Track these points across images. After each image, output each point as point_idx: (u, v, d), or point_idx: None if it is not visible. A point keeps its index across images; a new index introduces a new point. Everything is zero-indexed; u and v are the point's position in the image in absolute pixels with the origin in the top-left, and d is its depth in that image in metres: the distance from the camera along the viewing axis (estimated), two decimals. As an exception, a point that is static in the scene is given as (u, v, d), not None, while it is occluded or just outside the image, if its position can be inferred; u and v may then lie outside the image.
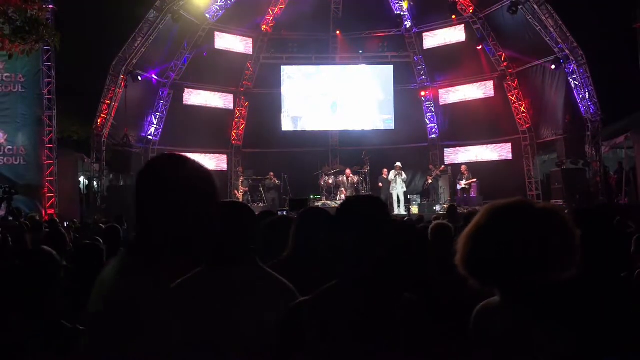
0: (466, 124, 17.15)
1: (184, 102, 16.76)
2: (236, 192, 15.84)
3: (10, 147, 12.78)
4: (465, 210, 10.56)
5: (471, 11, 16.56)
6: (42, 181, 12.87)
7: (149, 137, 16.33)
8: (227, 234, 1.80)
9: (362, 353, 1.52)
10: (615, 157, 15.28)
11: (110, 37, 15.42)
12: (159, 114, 16.54)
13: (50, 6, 11.47)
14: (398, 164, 14.97)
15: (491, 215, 1.54)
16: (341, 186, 15.25)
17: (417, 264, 3.17)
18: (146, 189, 1.36)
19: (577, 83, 14.38)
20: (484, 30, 16.59)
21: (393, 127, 17.63)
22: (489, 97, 17.19)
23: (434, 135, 18.33)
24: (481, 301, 1.62)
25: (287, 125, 17.57)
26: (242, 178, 16.18)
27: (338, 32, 17.92)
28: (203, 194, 1.37)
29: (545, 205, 1.55)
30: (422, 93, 18.34)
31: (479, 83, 17.34)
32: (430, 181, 15.86)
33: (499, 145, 17.07)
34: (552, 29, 14.44)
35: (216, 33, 16.92)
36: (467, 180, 15.06)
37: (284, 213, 11.21)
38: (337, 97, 17.75)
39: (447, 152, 17.95)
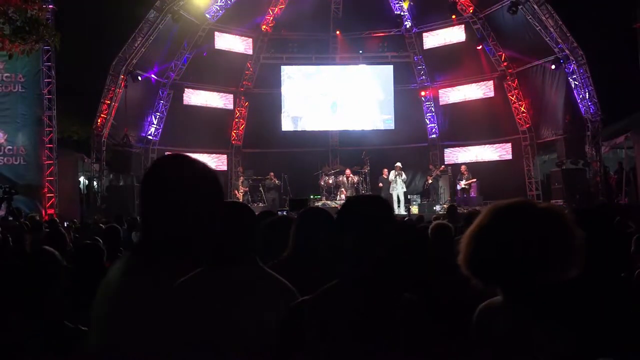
0: (466, 124, 17.16)
1: (184, 102, 16.76)
2: (236, 192, 15.84)
3: (10, 147, 12.79)
4: (465, 210, 10.55)
5: (471, 11, 16.56)
6: (42, 181, 12.87)
7: (149, 137, 16.32)
8: (227, 234, 1.80)
9: (362, 353, 1.53)
10: (615, 157, 15.26)
11: (110, 37, 15.42)
12: (159, 114, 16.53)
13: (50, 6, 11.48)
14: (398, 164, 14.98)
15: (493, 215, 1.55)
16: (341, 186, 15.26)
17: (417, 264, 3.17)
18: (148, 189, 1.37)
19: (577, 83, 14.38)
20: (484, 30, 16.59)
21: (393, 127, 17.63)
22: (489, 97, 17.19)
23: (434, 135, 18.33)
24: (481, 301, 1.62)
25: (287, 125, 17.57)
26: (242, 178, 16.18)
27: (338, 32, 17.92)
28: (205, 194, 1.38)
29: (547, 206, 1.55)
30: (422, 93, 18.33)
31: (479, 83, 17.33)
32: (430, 181, 15.86)
33: (499, 145, 17.07)
34: (552, 29, 14.44)
35: (216, 33, 16.92)
36: (467, 180, 15.06)
37: (284, 213, 11.20)
38: (337, 97, 17.75)
39: (447, 152, 17.96)
